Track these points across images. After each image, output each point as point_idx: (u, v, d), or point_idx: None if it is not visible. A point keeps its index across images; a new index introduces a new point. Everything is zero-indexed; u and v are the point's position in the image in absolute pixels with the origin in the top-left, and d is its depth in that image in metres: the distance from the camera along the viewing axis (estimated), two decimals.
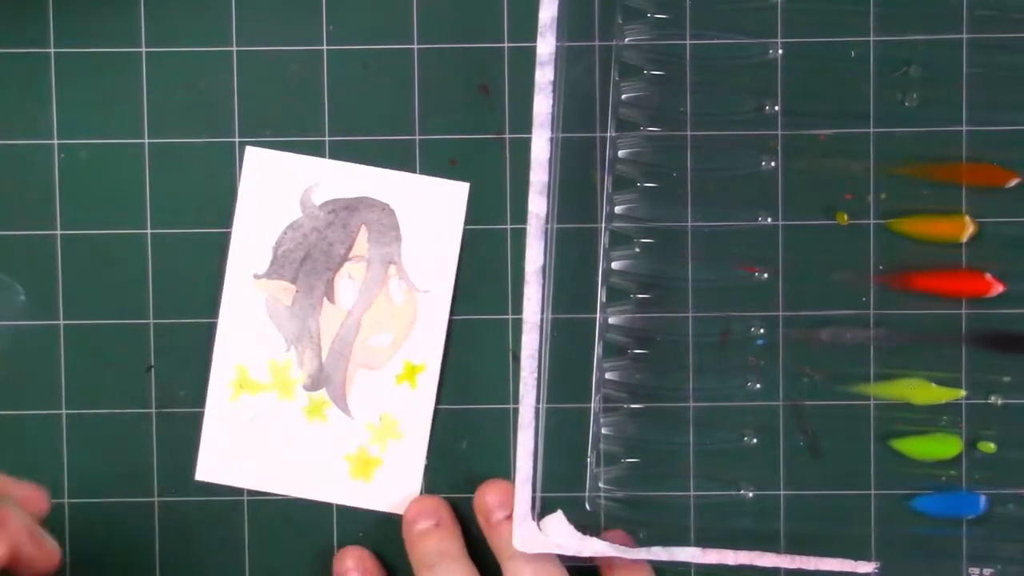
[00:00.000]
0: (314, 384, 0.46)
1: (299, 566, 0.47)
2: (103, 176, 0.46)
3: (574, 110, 0.46)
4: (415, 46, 0.46)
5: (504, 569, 0.45)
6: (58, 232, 0.46)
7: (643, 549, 0.44)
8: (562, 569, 0.44)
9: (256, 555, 0.47)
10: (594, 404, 0.46)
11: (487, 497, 0.46)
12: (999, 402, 0.46)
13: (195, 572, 0.47)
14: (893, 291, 0.46)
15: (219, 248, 0.46)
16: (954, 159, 0.46)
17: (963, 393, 0.46)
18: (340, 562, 0.46)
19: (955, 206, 0.46)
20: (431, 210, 0.46)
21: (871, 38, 0.46)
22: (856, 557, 0.45)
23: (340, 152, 0.46)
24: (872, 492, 0.46)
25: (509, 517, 0.45)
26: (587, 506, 0.46)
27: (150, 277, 0.46)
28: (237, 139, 0.46)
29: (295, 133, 0.46)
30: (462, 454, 0.47)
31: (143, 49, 0.46)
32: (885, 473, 0.46)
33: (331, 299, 0.46)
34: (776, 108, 0.46)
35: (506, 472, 0.46)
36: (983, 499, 0.46)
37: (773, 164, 0.46)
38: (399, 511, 0.46)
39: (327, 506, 0.47)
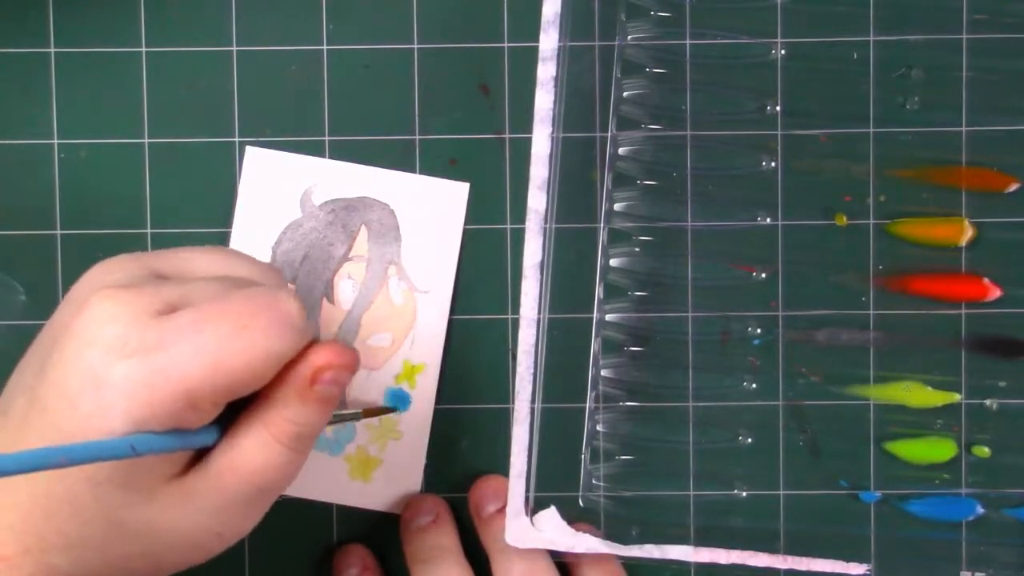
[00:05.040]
0: None
1: (299, 566, 0.47)
2: (103, 176, 0.46)
3: (575, 107, 0.46)
4: (415, 46, 0.46)
5: (493, 562, 0.45)
6: (58, 232, 0.46)
7: (636, 547, 0.44)
8: (551, 564, 0.45)
9: (256, 555, 0.47)
10: (589, 401, 0.46)
11: (480, 491, 0.46)
12: (994, 406, 0.46)
13: (195, 572, 0.47)
14: (891, 293, 0.46)
15: None
16: (954, 163, 0.46)
17: (958, 397, 0.46)
18: (341, 560, 0.46)
19: (954, 210, 0.46)
20: (431, 210, 0.46)
21: (871, 38, 0.46)
22: (850, 559, 0.45)
23: (340, 152, 0.46)
24: (867, 493, 0.47)
25: (501, 511, 0.45)
26: (580, 503, 0.47)
27: None
28: (237, 139, 0.46)
29: (295, 133, 0.46)
30: (461, 454, 0.47)
31: (143, 49, 0.46)
32: (880, 475, 0.46)
33: (331, 299, 0.47)
34: (777, 108, 0.46)
35: (505, 471, 0.46)
36: (977, 503, 0.46)
37: (773, 164, 0.46)
38: (399, 511, 0.47)
39: (327, 506, 0.47)
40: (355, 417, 0.45)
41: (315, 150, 0.46)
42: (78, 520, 0.35)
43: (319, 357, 0.37)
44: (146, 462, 0.35)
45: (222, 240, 0.46)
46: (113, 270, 0.38)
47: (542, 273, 0.43)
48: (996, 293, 0.46)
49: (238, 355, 0.35)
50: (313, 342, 0.37)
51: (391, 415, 0.47)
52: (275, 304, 0.36)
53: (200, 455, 0.37)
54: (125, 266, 0.38)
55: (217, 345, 0.35)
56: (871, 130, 0.46)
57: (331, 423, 0.44)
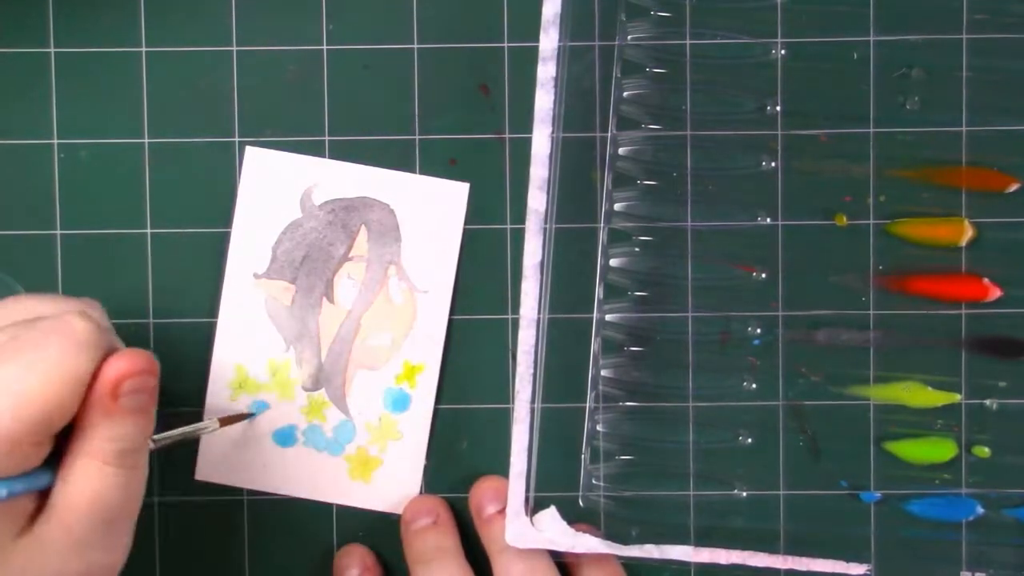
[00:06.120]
0: (314, 384, 0.47)
1: (299, 566, 0.47)
2: (103, 176, 0.46)
3: (575, 107, 0.46)
4: (415, 46, 0.46)
5: (494, 563, 0.45)
6: (58, 232, 0.46)
7: (635, 547, 0.44)
8: (552, 564, 0.45)
9: (256, 555, 0.47)
10: (589, 401, 0.46)
11: (480, 492, 0.46)
12: (994, 406, 0.46)
13: (195, 572, 0.47)
14: (891, 293, 0.46)
15: (219, 248, 0.46)
16: (954, 163, 0.46)
17: (958, 397, 0.46)
18: (341, 560, 0.46)
19: (954, 210, 0.46)
20: (431, 210, 0.46)
21: (871, 38, 0.46)
22: (850, 559, 0.45)
23: (340, 152, 0.46)
24: (867, 493, 0.47)
25: (501, 512, 0.45)
26: (580, 503, 0.47)
27: (150, 277, 0.46)
28: (237, 139, 0.46)
29: (295, 133, 0.46)
30: (462, 454, 0.47)
31: (143, 49, 0.46)
32: (881, 475, 0.46)
33: (331, 299, 0.47)
34: (777, 108, 0.46)
35: (505, 472, 0.46)
36: (977, 503, 0.46)
37: (773, 164, 0.46)
38: (399, 511, 0.47)
39: (327, 506, 0.47)
40: (211, 429, 0.45)
41: (315, 150, 0.46)
42: None
43: (111, 370, 0.37)
44: None
45: (222, 240, 0.47)
46: None
47: (542, 273, 0.43)
48: (996, 293, 0.46)
49: (37, 387, 0.35)
50: (113, 354, 0.37)
51: (391, 415, 0.47)
52: (62, 328, 0.36)
53: (41, 505, 0.37)
54: None
55: (15, 384, 0.35)
56: (871, 130, 0.46)
57: (180, 439, 0.43)
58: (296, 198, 0.46)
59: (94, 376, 0.37)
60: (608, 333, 0.47)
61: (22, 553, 0.36)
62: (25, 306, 0.39)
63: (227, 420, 0.45)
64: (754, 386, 0.47)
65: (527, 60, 0.45)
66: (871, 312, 0.46)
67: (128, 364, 0.37)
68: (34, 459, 0.36)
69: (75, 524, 0.37)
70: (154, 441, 0.41)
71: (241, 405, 0.47)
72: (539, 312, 0.43)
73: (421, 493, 0.47)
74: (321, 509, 0.47)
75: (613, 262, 0.46)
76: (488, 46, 0.46)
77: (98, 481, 0.37)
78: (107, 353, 0.37)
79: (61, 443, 0.37)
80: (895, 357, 0.46)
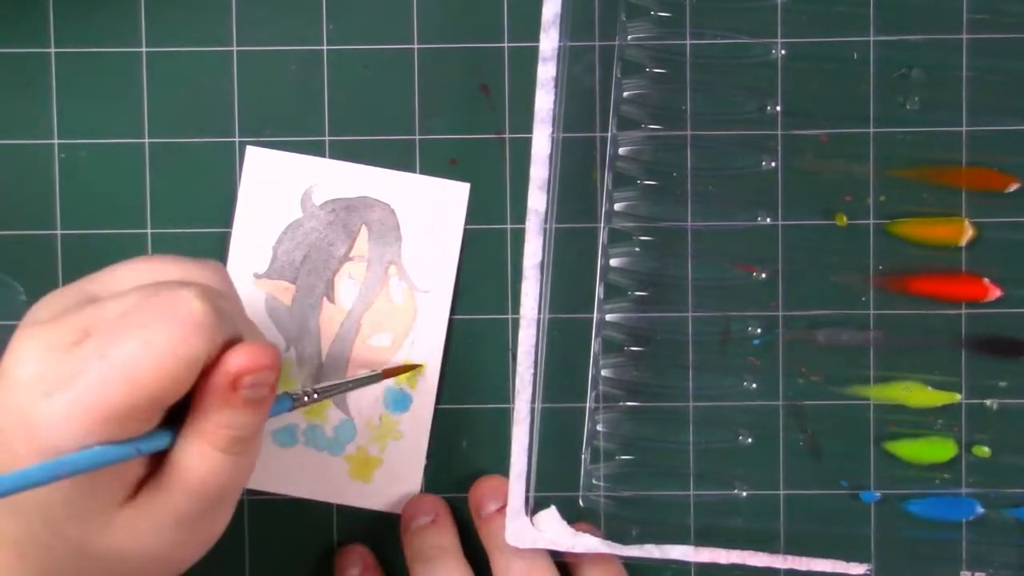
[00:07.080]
0: (314, 384, 0.47)
1: (299, 566, 0.47)
2: (103, 176, 0.46)
3: (575, 107, 0.46)
4: (415, 46, 0.46)
5: (493, 560, 0.45)
6: (58, 232, 0.46)
7: (636, 547, 0.44)
8: (550, 562, 0.45)
9: (256, 555, 0.47)
10: (589, 401, 0.46)
11: (480, 490, 0.46)
12: (994, 406, 0.46)
13: (195, 572, 0.46)
14: (891, 293, 0.46)
15: (219, 248, 0.46)
16: (954, 163, 0.46)
17: (959, 397, 0.46)
18: (341, 560, 0.46)
19: (954, 210, 0.46)
20: (431, 210, 0.46)
21: (871, 38, 0.46)
22: (850, 559, 0.45)
23: (340, 152, 0.46)
24: (867, 493, 0.47)
25: (500, 510, 0.45)
26: (580, 503, 0.47)
27: None
28: (237, 139, 0.46)
29: (295, 133, 0.46)
30: (462, 454, 0.47)
31: (143, 49, 0.46)
32: (881, 475, 0.47)
33: (331, 299, 0.47)
34: (777, 108, 0.46)
35: (505, 471, 0.46)
36: (977, 503, 0.46)
37: (773, 164, 0.46)
38: (399, 511, 0.47)
39: (327, 506, 0.47)
40: (375, 379, 0.45)
41: (315, 150, 0.46)
42: (48, 557, 0.36)
43: (232, 364, 0.36)
44: (96, 491, 0.35)
45: (222, 240, 0.47)
46: (48, 304, 0.37)
47: (542, 273, 0.44)
48: (996, 293, 0.46)
49: (147, 370, 0.35)
50: (234, 341, 0.37)
51: (391, 415, 0.47)
52: (178, 308, 0.35)
53: (149, 475, 0.37)
54: (59, 299, 0.38)
55: (124, 365, 0.35)
56: (871, 130, 0.46)
57: (352, 389, 0.44)
58: (296, 198, 0.46)
59: (215, 361, 0.36)
60: (608, 333, 0.47)
61: (126, 521, 0.36)
62: (151, 267, 0.39)
63: (391, 371, 0.45)
64: (754, 386, 0.47)
65: (527, 60, 0.45)
66: (871, 312, 0.46)
67: (249, 360, 0.36)
68: (146, 428, 0.36)
69: (180, 502, 0.37)
70: (317, 392, 0.41)
71: None
72: (539, 312, 0.43)
73: (421, 492, 0.47)
74: (321, 509, 0.47)
75: (613, 262, 0.46)
76: (488, 46, 0.46)
77: (209, 464, 0.37)
78: (229, 339, 0.36)
79: (175, 410, 0.37)
80: (895, 357, 0.46)
